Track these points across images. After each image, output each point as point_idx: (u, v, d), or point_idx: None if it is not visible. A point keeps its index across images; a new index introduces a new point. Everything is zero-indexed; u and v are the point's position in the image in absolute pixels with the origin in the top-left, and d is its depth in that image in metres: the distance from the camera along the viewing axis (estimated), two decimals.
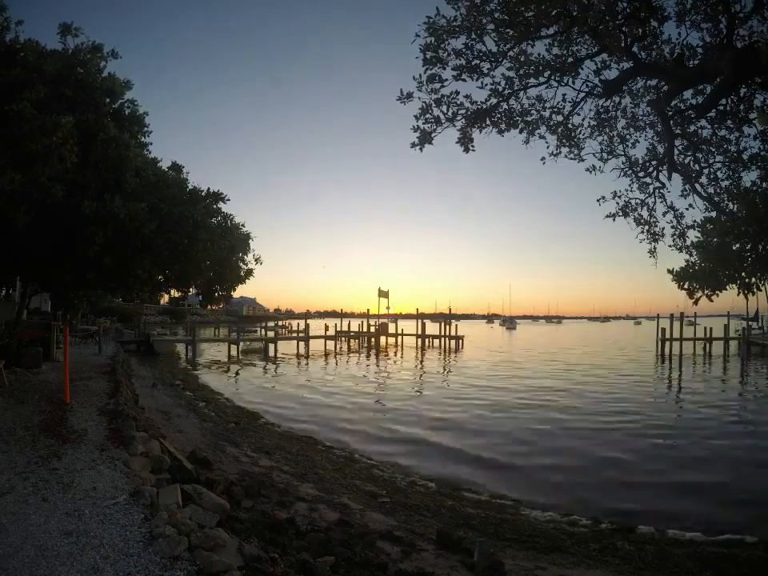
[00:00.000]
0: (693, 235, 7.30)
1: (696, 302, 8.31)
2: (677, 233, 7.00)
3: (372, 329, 46.32)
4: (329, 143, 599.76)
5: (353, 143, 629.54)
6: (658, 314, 44.71)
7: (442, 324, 45.99)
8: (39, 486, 4.46)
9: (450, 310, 56.23)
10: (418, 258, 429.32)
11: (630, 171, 6.69)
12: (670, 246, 7.10)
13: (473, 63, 5.33)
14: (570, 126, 6.15)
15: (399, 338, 46.85)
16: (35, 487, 4.42)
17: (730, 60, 4.40)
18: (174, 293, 14.97)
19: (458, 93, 5.43)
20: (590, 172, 6.56)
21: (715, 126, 6.14)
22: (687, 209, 6.74)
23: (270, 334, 39.71)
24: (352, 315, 77.52)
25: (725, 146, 6.25)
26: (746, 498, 7.65)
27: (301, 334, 37.68)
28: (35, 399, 8.29)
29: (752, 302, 37.43)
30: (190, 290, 13.17)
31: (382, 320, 50.68)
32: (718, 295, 8.08)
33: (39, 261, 9.93)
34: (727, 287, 8.35)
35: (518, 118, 5.92)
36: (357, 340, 44.47)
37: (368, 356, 34.23)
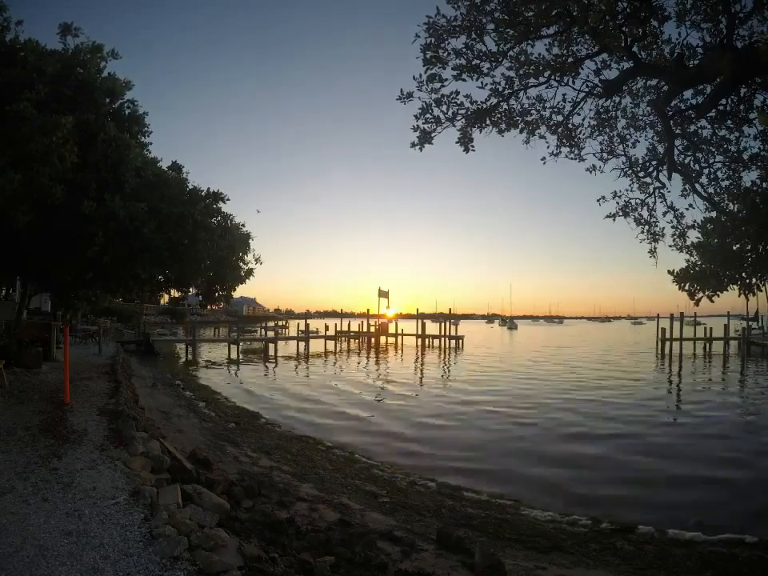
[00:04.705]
0: (693, 235, 7.30)
1: (697, 303, 8.30)
2: (677, 233, 7.00)
3: (372, 329, 46.41)
4: (329, 143, 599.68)
5: (353, 143, 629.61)
6: (658, 314, 44.82)
7: (442, 324, 46.02)
8: (39, 486, 4.46)
9: (451, 310, 56.11)
10: (418, 258, 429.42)
11: (630, 171, 6.69)
12: (670, 246, 7.11)
13: (473, 63, 5.32)
14: (570, 125, 6.15)
15: (399, 338, 46.85)
16: (35, 487, 4.42)
17: (729, 60, 4.39)
18: (174, 293, 15.00)
19: (458, 93, 5.43)
20: (590, 172, 6.57)
21: (715, 126, 6.14)
22: (687, 209, 6.75)
23: (270, 334, 39.74)
24: (352, 315, 77.46)
25: (725, 145, 6.25)
26: (746, 498, 7.65)
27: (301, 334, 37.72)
28: (35, 399, 8.29)
29: (752, 302, 37.42)
30: (190, 289, 13.19)
31: (381, 320, 50.76)
32: (719, 296, 8.08)
33: (39, 261, 9.94)
34: (728, 288, 8.36)
35: (518, 118, 5.92)
36: (357, 340, 44.52)
37: (368, 356, 34.20)
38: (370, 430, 12.06)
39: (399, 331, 47.71)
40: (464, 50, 5.24)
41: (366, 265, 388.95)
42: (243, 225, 12.14)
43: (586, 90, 5.73)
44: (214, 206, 11.58)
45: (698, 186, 6.41)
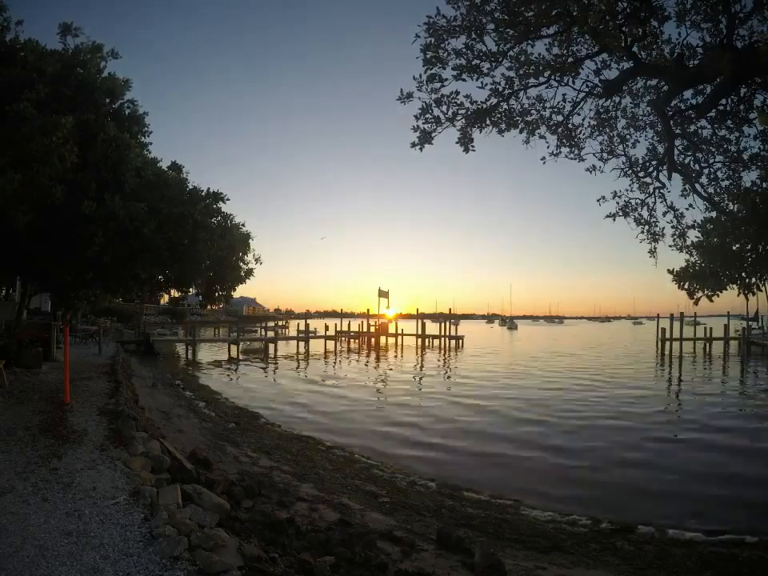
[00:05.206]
0: (693, 235, 7.30)
1: (696, 302, 8.31)
2: (677, 233, 7.00)
3: (372, 329, 46.43)
4: (329, 143, 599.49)
5: (353, 143, 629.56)
6: (658, 314, 44.82)
7: (442, 324, 46.06)
8: (39, 486, 4.46)
9: (451, 310, 56.09)
10: (419, 258, 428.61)
11: (630, 171, 6.68)
12: (670, 246, 7.10)
13: (473, 63, 5.32)
14: (570, 125, 6.14)
15: (399, 338, 46.86)
16: (35, 487, 4.42)
17: (729, 60, 4.39)
18: (174, 293, 15.01)
19: (458, 93, 5.43)
20: (590, 172, 6.57)
21: (715, 126, 6.14)
22: (687, 209, 6.75)
23: (270, 334, 39.74)
24: (352, 315, 77.41)
25: (725, 145, 6.25)
26: (746, 498, 7.66)
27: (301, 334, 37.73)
28: (35, 399, 8.29)
29: (752, 302, 37.45)
30: (190, 289, 13.19)
31: (381, 320, 50.82)
32: (718, 295, 8.09)
33: (39, 261, 9.94)
34: (728, 287, 8.36)
35: (518, 118, 5.92)
36: (357, 340, 44.53)
37: (367, 356, 34.19)
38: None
39: (399, 331, 47.72)
40: (464, 50, 5.24)
41: (366, 265, 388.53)
42: (243, 225, 12.16)
43: (586, 90, 5.73)
44: (214, 206, 11.58)
45: (698, 186, 6.41)
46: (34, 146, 7.98)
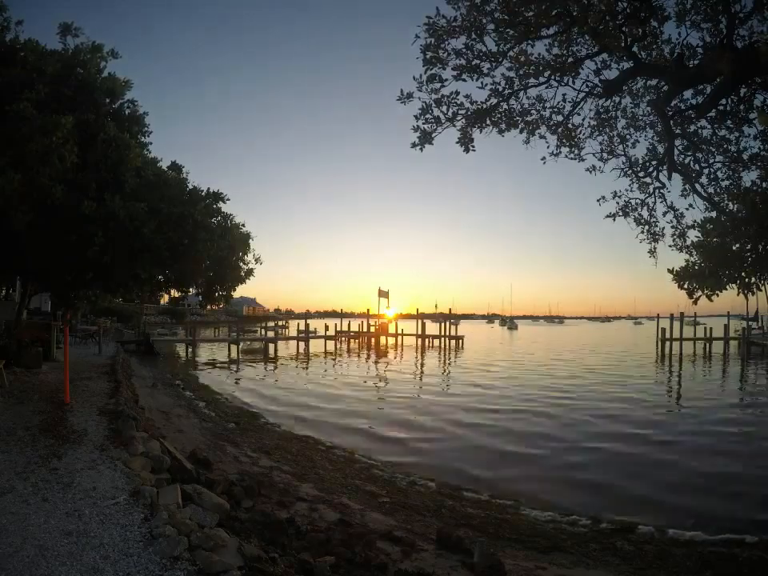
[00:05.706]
0: (693, 235, 7.30)
1: (696, 302, 8.29)
2: (677, 233, 7.00)
3: (372, 329, 46.48)
4: (329, 143, 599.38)
5: (353, 143, 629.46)
6: (658, 314, 44.83)
7: (442, 324, 46.08)
8: (39, 486, 4.47)
9: (451, 310, 56.12)
10: (419, 258, 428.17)
11: (630, 171, 6.68)
12: (670, 246, 7.10)
13: (473, 63, 5.32)
14: (570, 125, 6.14)
15: (399, 338, 46.86)
16: (35, 487, 4.43)
17: (729, 60, 4.39)
18: (174, 293, 15.00)
19: (458, 93, 5.42)
20: (590, 172, 6.57)
21: (715, 126, 6.14)
22: (687, 209, 6.74)
23: (270, 334, 39.75)
24: (352, 315, 77.35)
25: (725, 145, 6.25)
26: (746, 497, 7.66)
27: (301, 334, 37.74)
28: (35, 399, 8.29)
29: (752, 302, 37.49)
30: (190, 289, 13.19)
31: (381, 320, 50.89)
32: (717, 295, 8.05)
33: (39, 261, 9.93)
34: (727, 287, 8.34)
35: (518, 118, 5.91)
36: (357, 340, 44.54)
37: (367, 356, 34.17)
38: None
39: (399, 331, 47.72)
40: (464, 50, 5.23)
41: (366, 265, 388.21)
42: (243, 225, 12.16)
43: (586, 90, 5.73)
44: (214, 206, 11.58)
45: (698, 186, 6.40)
46: (34, 146, 7.98)
